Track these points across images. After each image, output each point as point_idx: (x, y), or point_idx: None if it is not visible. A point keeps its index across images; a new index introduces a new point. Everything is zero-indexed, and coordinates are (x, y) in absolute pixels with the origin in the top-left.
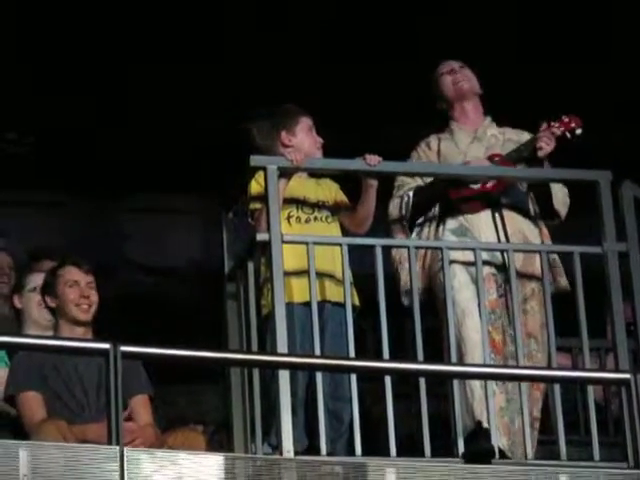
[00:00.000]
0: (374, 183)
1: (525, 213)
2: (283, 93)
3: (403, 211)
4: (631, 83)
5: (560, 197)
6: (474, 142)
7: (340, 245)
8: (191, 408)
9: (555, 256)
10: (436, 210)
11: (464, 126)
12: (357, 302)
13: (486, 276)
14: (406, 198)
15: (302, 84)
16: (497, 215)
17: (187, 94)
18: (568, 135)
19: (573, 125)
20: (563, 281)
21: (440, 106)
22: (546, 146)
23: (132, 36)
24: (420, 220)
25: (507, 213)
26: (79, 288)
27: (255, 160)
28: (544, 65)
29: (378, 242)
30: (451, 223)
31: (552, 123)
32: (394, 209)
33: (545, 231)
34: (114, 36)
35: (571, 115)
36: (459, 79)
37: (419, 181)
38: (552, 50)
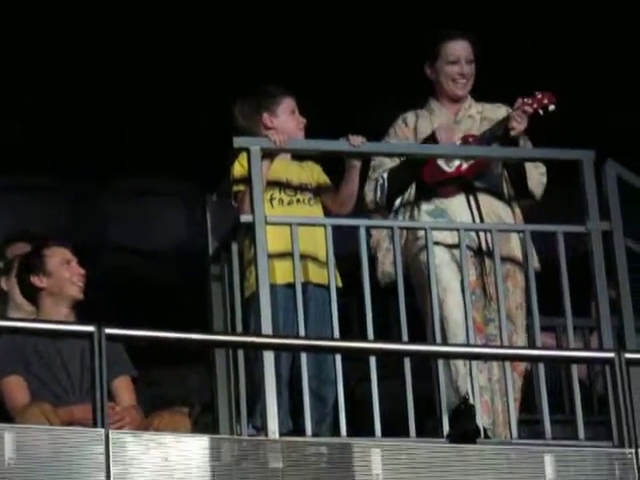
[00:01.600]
0: (357, 164)
1: (499, 196)
2: (268, 73)
3: (378, 193)
4: (612, 61)
5: (536, 177)
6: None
7: (324, 226)
8: (176, 389)
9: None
10: (411, 193)
11: (443, 108)
12: (339, 283)
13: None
14: (381, 180)
15: (286, 62)
16: (471, 197)
17: (168, 80)
18: (541, 112)
19: (546, 102)
20: (534, 261)
21: (429, 75)
22: (518, 125)
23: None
24: (397, 203)
25: (481, 195)
26: (74, 266)
27: (238, 141)
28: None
29: (362, 223)
30: (426, 205)
31: (525, 100)
32: (369, 191)
33: (518, 212)
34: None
35: (544, 92)
36: (461, 81)
37: (395, 162)
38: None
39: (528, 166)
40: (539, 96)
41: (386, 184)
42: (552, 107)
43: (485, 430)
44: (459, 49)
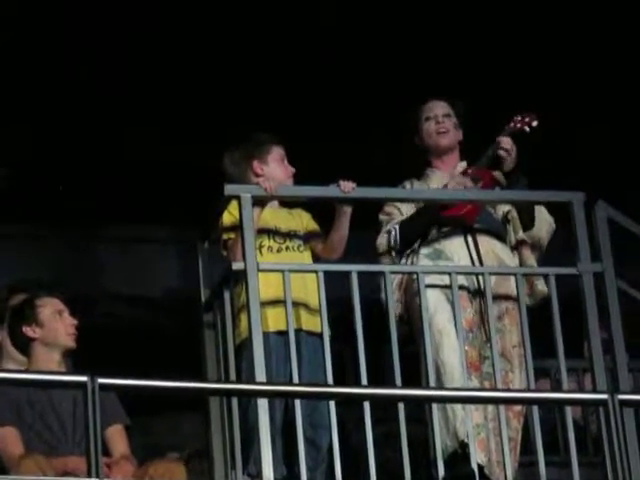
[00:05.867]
0: (348, 210)
1: (498, 236)
2: (261, 120)
3: (392, 244)
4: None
5: (544, 216)
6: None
7: (316, 272)
8: (171, 437)
9: (533, 262)
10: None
11: (438, 170)
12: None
13: (460, 295)
14: (393, 232)
15: (277, 110)
16: (469, 237)
17: (163, 126)
18: (527, 129)
19: (528, 120)
20: (540, 285)
21: (418, 142)
22: (506, 155)
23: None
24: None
25: (480, 236)
26: (66, 317)
27: (229, 189)
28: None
29: (354, 268)
30: (425, 249)
31: (511, 124)
32: (381, 244)
33: (524, 251)
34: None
35: (524, 112)
36: (441, 130)
37: (403, 213)
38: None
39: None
40: (519, 118)
41: (398, 236)
42: (535, 123)
43: (482, 468)
44: (434, 106)
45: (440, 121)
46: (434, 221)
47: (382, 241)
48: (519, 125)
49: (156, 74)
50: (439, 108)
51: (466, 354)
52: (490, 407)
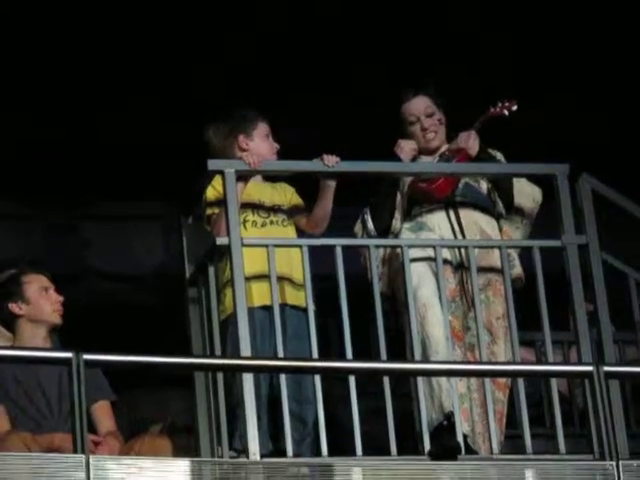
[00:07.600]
0: (332, 184)
1: (483, 209)
2: (247, 95)
3: (367, 228)
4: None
5: (528, 191)
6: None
7: (300, 247)
8: (157, 413)
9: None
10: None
11: (423, 158)
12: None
13: (443, 267)
14: (366, 215)
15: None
16: (451, 211)
17: (147, 102)
18: (506, 113)
19: (508, 104)
20: (516, 270)
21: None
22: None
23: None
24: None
25: (462, 208)
26: (52, 294)
27: (213, 164)
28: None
29: (338, 242)
30: (407, 223)
31: (492, 109)
32: (358, 231)
33: (506, 229)
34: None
35: (505, 100)
36: (429, 137)
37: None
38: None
39: (517, 181)
40: (500, 104)
41: (370, 217)
42: (515, 107)
43: (465, 437)
44: (414, 107)
45: (426, 127)
46: (393, 191)
47: (358, 227)
48: (499, 109)
49: (135, 53)
50: (421, 106)
51: (450, 324)
52: (473, 378)
